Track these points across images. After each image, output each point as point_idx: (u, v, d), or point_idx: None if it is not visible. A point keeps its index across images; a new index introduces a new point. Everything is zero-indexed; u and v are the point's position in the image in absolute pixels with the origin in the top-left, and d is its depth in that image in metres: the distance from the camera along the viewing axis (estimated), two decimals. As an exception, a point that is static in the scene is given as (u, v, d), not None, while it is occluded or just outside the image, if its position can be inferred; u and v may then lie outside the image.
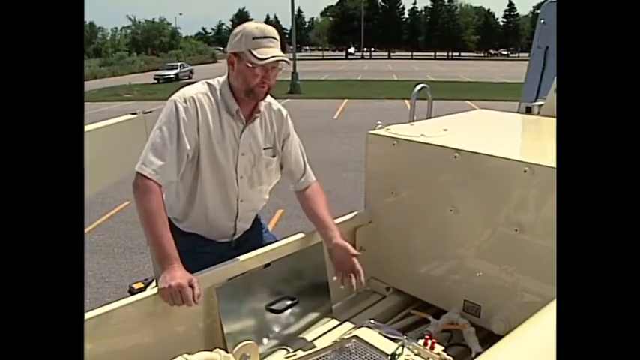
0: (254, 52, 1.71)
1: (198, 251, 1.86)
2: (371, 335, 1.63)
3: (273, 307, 1.81)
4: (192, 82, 1.89)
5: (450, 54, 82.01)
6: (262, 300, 1.80)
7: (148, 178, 1.65)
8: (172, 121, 1.72)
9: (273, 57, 1.71)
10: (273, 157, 1.96)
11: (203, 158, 1.80)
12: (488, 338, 1.78)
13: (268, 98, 1.94)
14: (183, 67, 33.53)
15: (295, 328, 1.88)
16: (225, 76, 1.85)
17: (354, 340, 1.63)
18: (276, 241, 2.01)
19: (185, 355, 1.41)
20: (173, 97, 1.78)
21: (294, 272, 1.92)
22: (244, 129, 1.86)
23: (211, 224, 1.95)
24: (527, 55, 9.92)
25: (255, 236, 2.08)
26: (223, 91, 1.82)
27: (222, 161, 1.83)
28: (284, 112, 2.00)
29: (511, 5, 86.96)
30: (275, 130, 1.96)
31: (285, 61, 1.76)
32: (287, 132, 2.01)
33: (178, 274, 1.53)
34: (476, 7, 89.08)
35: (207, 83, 1.85)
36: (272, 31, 1.78)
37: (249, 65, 1.72)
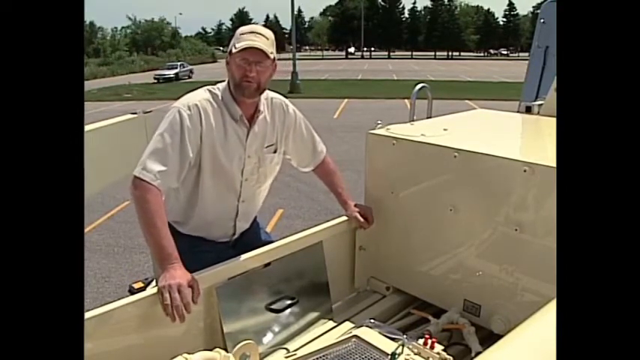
0: (235, 45, 1.74)
1: (198, 251, 1.87)
2: (371, 335, 1.63)
3: (273, 306, 1.81)
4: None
5: (449, 54, 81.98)
6: (262, 300, 1.80)
7: (149, 183, 1.64)
8: (175, 129, 1.71)
9: (246, 44, 1.71)
10: (275, 152, 1.98)
11: (206, 164, 1.80)
12: (488, 338, 1.77)
13: (270, 94, 1.94)
14: (183, 67, 33.51)
15: (295, 328, 1.87)
16: (225, 82, 1.86)
17: (354, 339, 1.63)
18: (272, 241, 2.02)
19: (185, 355, 1.41)
20: (176, 104, 1.77)
21: (294, 272, 1.92)
22: (249, 132, 1.86)
23: (211, 226, 1.95)
24: (527, 54, 9.91)
25: (253, 235, 2.10)
26: (225, 97, 1.83)
27: (227, 166, 1.84)
28: (285, 103, 2.00)
29: (511, 5, 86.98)
30: (277, 125, 1.97)
31: (260, 50, 1.72)
32: (290, 123, 2.01)
33: (179, 274, 1.53)
34: (475, 7, 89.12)
35: (209, 90, 1.84)
36: (261, 29, 1.78)
37: (232, 57, 1.75)
